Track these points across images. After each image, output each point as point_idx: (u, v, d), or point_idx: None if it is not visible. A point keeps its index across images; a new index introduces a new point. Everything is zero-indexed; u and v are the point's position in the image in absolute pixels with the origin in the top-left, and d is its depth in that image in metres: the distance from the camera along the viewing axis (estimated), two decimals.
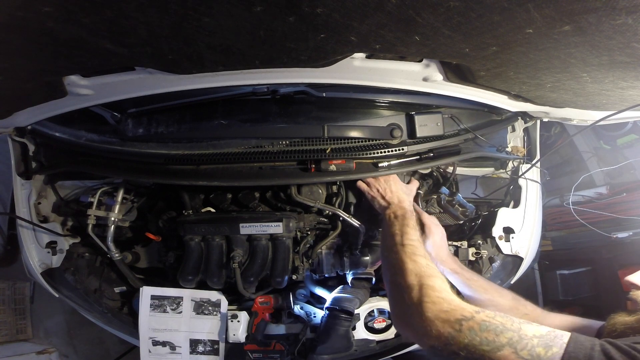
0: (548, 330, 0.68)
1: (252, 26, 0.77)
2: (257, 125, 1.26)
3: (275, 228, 1.31)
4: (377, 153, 1.23)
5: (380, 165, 1.22)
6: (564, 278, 2.57)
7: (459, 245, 1.44)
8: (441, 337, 0.74)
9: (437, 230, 1.22)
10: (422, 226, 1.23)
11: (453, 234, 1.53)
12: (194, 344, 1.40)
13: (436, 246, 1.19)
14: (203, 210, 1.41)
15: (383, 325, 1.42)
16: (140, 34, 0.78)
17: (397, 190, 1.21)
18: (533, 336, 0.67)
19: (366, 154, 1.23)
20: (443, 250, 1.21)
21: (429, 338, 0.76)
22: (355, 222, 1.32)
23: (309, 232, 1.43)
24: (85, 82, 1.04)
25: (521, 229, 1.46)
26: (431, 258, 1.20)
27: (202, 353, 1.40)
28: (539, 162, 1.50)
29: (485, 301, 1.10)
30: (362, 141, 1.24)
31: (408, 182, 1.33)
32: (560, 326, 0.98)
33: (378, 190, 1.22)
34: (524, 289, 2.62)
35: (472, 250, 1.44)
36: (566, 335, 0.67)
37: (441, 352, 0.75)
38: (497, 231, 1.45)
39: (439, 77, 1.08)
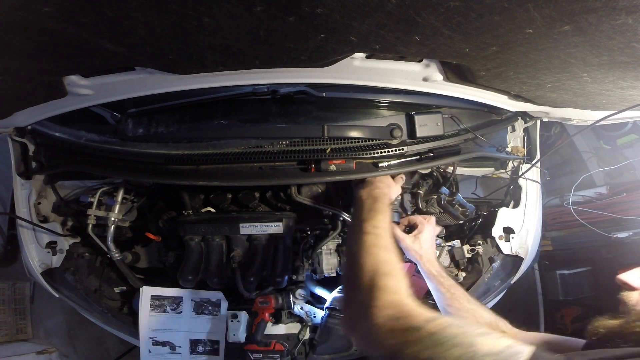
0: (507, 344, 0.59)
1: (252, 26, 0.77)
2: (257, 125, 1.26)
3: (275, 228, 1.31)
4: (377, 153, 1.23)
5: (380, 165, 1.22)
6: (564, 278, 2.57)
7: (452, 245, 1.43)
8: (386, 347, 0.66)
9: (427, 228, 1.21)
10: (412, 222, 1.23)
11: (453, 234, 1.53)
12: (194, 344, 1.40)
13: (418, 244, 1.19)
14: (203, 210, 1.41)
15: None
16: (140, 34, 0.78)
17: (380, 176, 1.19)
18: (485, 354, 0.57)
19: (366, 154, 1.23)
20: (426, 246, 1.19)
21: (375, 347, 0.68)
22: None
23: (309, 232, 1.43)
24: (85, 82, 1.04)
25: (521, 229, 1.46)
26: (414, 258, 1.19)
27: (202, 353, 1.40)
28: (539, 162, 1.51)
29: (469, 310, 1.08)
30: (362, 141, 1.24)
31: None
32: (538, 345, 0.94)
33: None
34: (524, 289, 2.62)
35: (467, 247, 1.44)
36: (526, 352, 0.57)
37: None
38: (497, 231, 1.45)
39: (439, 77, 1.08)
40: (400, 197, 1.30)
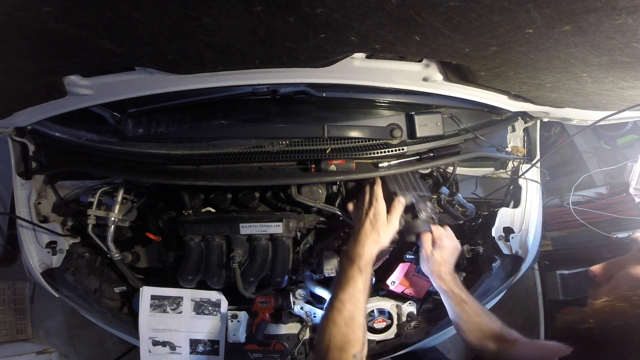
0: None
1: (252, 26, 0.77)
2: (257, 125, 1.26)
3: (275, 228, 1.31)
4: (377, 153, 1.23)
5: (380, 165, 1.22)
6: (564, 278, 2.57)
7: None
8: None
9: (447, 245, 1.21)
10: (433, 237, 1.22)
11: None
12: (194, 344, 1.40)
13: (439, 262, 1.19)
14: (203, 210, 1.41)
15: (383, 325, 1.42)
16: (140, 34, 0.78)
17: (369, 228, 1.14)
18: None
19: (366, 154, 1.23)
20: (445, 266, 1.20)
21: None
22: None
23: (309, 232, 1.43)
24: (85, 82, 1.04)
25: (521, 229, 1.46)
26: (429, 272, 1.22)
27: (202, 353, 1.40)
28: (539, 162, 1.50)
29: (477, 324, 1.13)
30: (362, 141, 1.24)
31: (392, 200, 1.19)
32: (537, 354, 0.98)
33: (362, 221, 1.16)
34: (524, 289, 2.62)
35: (467, 247, 1.44)
36: None
37: None
38: (497, 231, 1.44)
39: (439, 77, 1.08)
40: (429, 203, 1.28)
